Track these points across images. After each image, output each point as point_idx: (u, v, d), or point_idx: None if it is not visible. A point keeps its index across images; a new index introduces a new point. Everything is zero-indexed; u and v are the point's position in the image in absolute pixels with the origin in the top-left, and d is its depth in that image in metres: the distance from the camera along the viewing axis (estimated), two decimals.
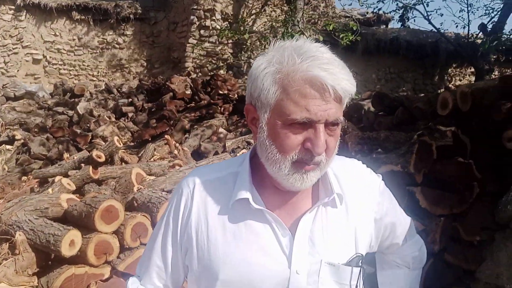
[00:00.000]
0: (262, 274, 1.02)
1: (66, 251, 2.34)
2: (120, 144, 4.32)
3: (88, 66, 11.23)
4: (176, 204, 1.12)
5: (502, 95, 2.79)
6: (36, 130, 7.94)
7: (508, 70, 12.53)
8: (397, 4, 11.32)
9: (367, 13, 12.78)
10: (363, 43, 10.78)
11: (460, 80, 13.01)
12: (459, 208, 2.78)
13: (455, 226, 2.76)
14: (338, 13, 11.19)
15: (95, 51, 11.06)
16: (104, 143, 5.14)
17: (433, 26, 11.13)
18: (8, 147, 7.04)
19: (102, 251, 2.44)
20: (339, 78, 0.93)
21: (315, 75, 0.91)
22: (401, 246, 1.29)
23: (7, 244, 2.55)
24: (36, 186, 4.74)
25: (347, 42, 8.05)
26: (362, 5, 10.55)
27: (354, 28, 8.36)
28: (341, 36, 8.10)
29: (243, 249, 1.03)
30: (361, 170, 1.19)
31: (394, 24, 13.45)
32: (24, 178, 5.67)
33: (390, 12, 12.28)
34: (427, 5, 10.72)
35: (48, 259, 2.60)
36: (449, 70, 12.93)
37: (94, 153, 3.98)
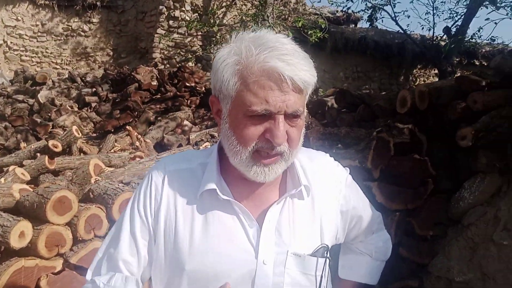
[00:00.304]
0: (229, 265, 1.02)
1: (16, 242, 2.26)
2: (78, 134, 4.20)
3: (51, 53, 10.84)
4: (145, 192, 1.09)
5: (457, 95, 2.89)
6: None
7: (470, 73, 12.97)
8: (365, 4, 11.52)
9: (337, 12, 12.93)
10: (332, 41, 10.91)
11: (424, 81, 13.39)
12: (414, 204, 2.86)
13: (409, 221, 2.85)
14: (308, 10, 11.27)
15: (59, 38, 10.69)
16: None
17: (400, 27, 11.40)
18: None
19: (54, 243, 2.36)
20: (297, 69, 0.93)
21: (272, 66, 0.92)
22: (367, 237, 1.31)
23: None
24: None
25: (316, 39, 8.13)
26: (332, 4, 10.67)
27: (323, 26, 8.44)
28: (309, 33, 8.17)
29: (210, 239, 1.03)
30: (328, 162, 1.20)
31: (363, 24, 13.66)
32: None
33: (359, 12, 12.48)
34: (394, 6, 10.94)
35: None
36: (414, 71, 13.28)
37: (51, 142, 3.85)
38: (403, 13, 15.45)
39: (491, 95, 2.74)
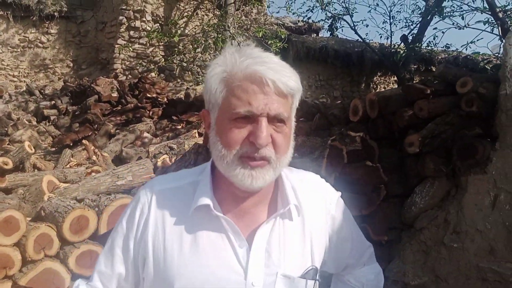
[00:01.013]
0: (217, 286, 1.01)
1: None
2: (31, 149, 4.07)
3: (7, 65, 10.50)
4: (131, 212, 1.09)
5: (405, 103, 3.00)
6: None
7: (417, 81, 13.44)
8: (326, 14, 11.80)
9: (299, 21, 13.16)
10: (294, 50, 11.09)
11: (385, 88, 13.78)
12: (368, 210, 2.93)
13: (364, 227, 2.91)
14: (269, 20, 11.41)
15: (15, 49, 10.37)
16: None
17: (359, 36, 11.71)
18: None
19: (1, 265, 2.27)
20: (279, 74, 0.95)
21: (254, 70, 0.94)
22: (358, 268, 1.29)
23: None
24: None
25: (277, 49, 8.24)
26: (294, 13, 10.87)
27: (283, 36, 8.57)
28: (269, 43, 8.29)
29: (199, 259, 1.02)
30: (318, 183, 1.19)
31: (324, 33, 13.96)
32: None
33: (319, 21, 12.76)
34: (353, 16, 11.24)
35: None
36: (375, 78, 13.66)
37: (0, 160, 3.71)
38: (362, 23, 15.88)
39: (436, 102, 2.86)
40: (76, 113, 7.11)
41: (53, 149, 6.38)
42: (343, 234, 1.18)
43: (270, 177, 1.00)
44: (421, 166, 2.88)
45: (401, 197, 3.14)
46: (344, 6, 11.36)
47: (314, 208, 1.12)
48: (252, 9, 10.49)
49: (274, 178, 1.03)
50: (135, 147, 4.63)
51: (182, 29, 9.92)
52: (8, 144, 6.50)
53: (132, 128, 5.42)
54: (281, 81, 0.95)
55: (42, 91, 9.40)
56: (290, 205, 1.06)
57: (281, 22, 12.68)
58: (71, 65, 10.85)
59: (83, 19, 10.64)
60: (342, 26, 12.23)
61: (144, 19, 9.65)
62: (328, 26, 12.17)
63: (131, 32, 9.69)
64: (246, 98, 0.95)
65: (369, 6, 11.47)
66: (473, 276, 2.76)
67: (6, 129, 7.33)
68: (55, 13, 10.24)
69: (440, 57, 13.53)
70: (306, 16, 11.63)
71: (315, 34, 14.12)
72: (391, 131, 3.18)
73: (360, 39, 11.78)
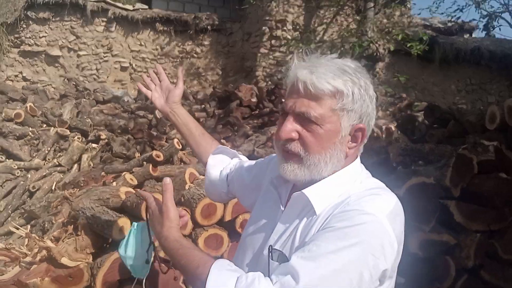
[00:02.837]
0: (253, 240, 1.23)
1: (117, 235, 2.68)
2: (179, 146, 4.71)
3: (168, 74, 12.04)
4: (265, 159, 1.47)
5: None
6: (119, 131, 8.71)
7: None
8: (480, 13, 10.72)
9: (449, 21, 12.20)
10: (441, 52, 10.34)
11: None
12: (497, 225, 2.69)
13: (492, 243, 2.68)
14: (414, 22, 10.83)
15: (175, 60, 11.83)
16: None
17: None
18: (94, 145, 7.83)
19: None
20: (315, 76, 1.05)
21: (295, 73, 1.09)
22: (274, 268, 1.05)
23: (72, 226, 2.98)
24: (111, 180, 5.30)
25: (418, 52, 7.82)
26: (443, 13, 10.14)
27: (424, 38, 8.09)
28: (408, 45, 7.91)
29: (257, 213, 1.28)
30: (367, 194, 1.06)
31: (479, 33, 12.64)
32: (102, 173, 6.34)
33: (471, 21, 11.61)
34: None
35: (106, 242, 2.97)
36: None
37: (154, 153, 4.39)
38: None
39: None
40: (221, 116, 7.83)
41: None
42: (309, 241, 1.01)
43: (301, 172, 1.09)
44: None
45: None
46: (503, 2, 10.18)
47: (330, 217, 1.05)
48: (394, 11, 10.13)
49: (309, 174, 1.09)
50: (266, 147, 4.98)
51: (320, 35, 10.10)
52: (165, 141, 7.52)
53: (264, 130, 5.81)
54: (312, 82, 1.04)
55: (195, 96, 10.57)
56: (301, 194, 1.09)
57: (428, 23, 11.94)
58: (220, 73, 11.92)
59: (231, 31, 11.63)
60: (500, 25, 10.96)
61: (285, 28, 10.10)
62: (483, 26, 11.04)
63: (273, 41, 10.23)
64: (287, 97, 1.11)
65: None
66: None
67: (165, 128, 8.47)
68: (208, 27, 11.39)
69: None
70: (455, 16, 10.75)
71: (468, 35, 12.90)
72: None
73: None
